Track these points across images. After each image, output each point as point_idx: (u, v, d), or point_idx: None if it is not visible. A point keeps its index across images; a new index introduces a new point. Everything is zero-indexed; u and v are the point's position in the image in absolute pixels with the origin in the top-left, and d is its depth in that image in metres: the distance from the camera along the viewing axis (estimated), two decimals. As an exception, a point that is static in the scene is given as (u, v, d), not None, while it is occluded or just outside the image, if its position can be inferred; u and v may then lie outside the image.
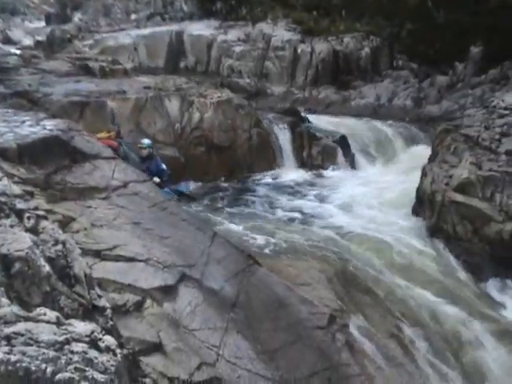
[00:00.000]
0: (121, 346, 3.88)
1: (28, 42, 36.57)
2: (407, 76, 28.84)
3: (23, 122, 8.41)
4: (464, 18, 25.11)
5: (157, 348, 5.49)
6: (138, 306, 5.85)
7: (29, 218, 4.47)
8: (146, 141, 14.19)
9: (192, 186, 15.38)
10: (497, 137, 13.61)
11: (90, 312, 4.16)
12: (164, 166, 13.83)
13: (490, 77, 24.55)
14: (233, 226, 12.47)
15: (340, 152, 19.83)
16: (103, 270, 6.03)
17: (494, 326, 10.20)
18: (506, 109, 14.35)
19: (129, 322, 5.58)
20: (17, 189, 4.88)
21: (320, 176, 18.62)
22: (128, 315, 5.67)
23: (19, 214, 4.44)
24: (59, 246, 4.33)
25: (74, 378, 2.80)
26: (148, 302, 5.96)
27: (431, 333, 9.53)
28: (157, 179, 13.15)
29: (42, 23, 43.62)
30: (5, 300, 3.21)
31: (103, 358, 3.13)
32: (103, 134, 12.92)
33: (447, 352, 9.30)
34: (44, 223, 4.54)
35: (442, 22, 27.00)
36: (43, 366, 2.73)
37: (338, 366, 6.83)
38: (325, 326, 7.28)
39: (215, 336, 6.10)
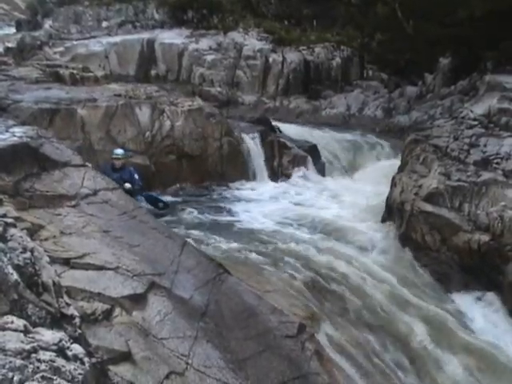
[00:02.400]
0: (89, 354, 3.86)
1: (-2, 48, 36.26)
2: (377, 86, 29.11)
3: (-8, 128, 8.35)
4: (433, 29, 25.32)
5: (126, 357, 5.46)
6: (107, 315, 5.81)
7: (-4, 225, 4.43)
8: (120, 151, 14.10)
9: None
10: (465, 147, 13.78)
11: (58, 320, 4.13)
12: (137, 176, 13.77)
13: (459, 88, 24.81)
14: (201, 235, 12.44)
15: (310, 161, 19.92)
16: (72, 278, 5.98)
17: (459, 340, 10.30)
18: (474, 120, 14.55)
19: (97, 330, 5.54)
20: (-16, 196, 4.84)
21: (289, 185, 18.63)
22: (97, 324, 5.63)
23: (-14, 221, 4.40)
24: (27, 254, 4.30)
25: (41, 386, 2.79)
26: (117, 310, 5.92)
27: (398, 343, 9.58)
28: (128, 185, 13.10)
29: (13, 30, 43.28)
30: (-29, 308, 3.18)
31: (71, 366, 3.11)
32: None
33: (412, 364, 9.36)
34: (12, 231, 4.50)
35: (411, 33, 27.25)
36: (10, 374, 2.70)
37: (308, 375, 6.82)
38: (294, 335, 7.27)
39: (184, 345, 6.07)
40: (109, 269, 6.40)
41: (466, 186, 12.96)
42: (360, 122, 25.74)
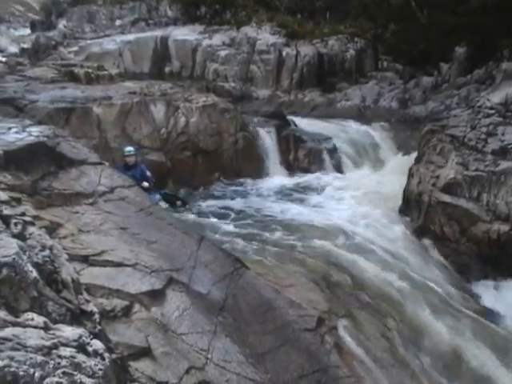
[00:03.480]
0: (109, 350, 3.88)
1: (13, 49, 36.50)
2: (392, 77, 28.93)
3: (9, 128, 8.39)
4: (447, 19, 25.18)
5: (145, 352, 5.48)
6: (126, 311, 5.83)
7: (16, 224, 4.47)
8: (131, 148, 14.13)
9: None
10: (483, 136, 13.69)
11: (77, 317, 4.16)
12: (149, 173, 13.79)
13: (475, 77, 24.63)
14: (219, 230, 12.47)
15: (326, 155, 19.86)
16: (91, 275, 6.01)
17: (480, 328, 10.25)
18: (491, 108, 14.44)
19: (117, 326, 5.56)
20: (3, 195, 4.88)
21: (306, 179, 18.60)
22: (116, 320, 5.66)
23: (6, 220, 4.44)
24: (46, 252, 4.33)
25: (61, 382, 2.80)
26: (136, 306, 5.95)
27: (418, 335, 9.55)
28: (146, 184, 13.15)
29: (28, 31, 43.55)
30: (-8, 306, 3.21)
31: (91, 362, 3.14)
32: None
33: (433, 356, 9.33)
34: (31, 229, 4.54)
35: (425, 23, 27.10)
36: (31, 370, 2.73)
37: (327, 368, 6.82)
38: (313, 328, 7.28)
39: (203, 340, 6.09)
40: (127, 265, 6.43)
41: (484, 176, 12.88)
42: (375, 114, 25.61)
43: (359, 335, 8.60)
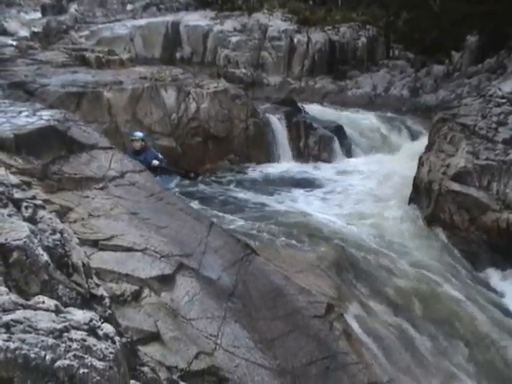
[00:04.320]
0: (119, 334, 3.89)
1: (24, 33, 36.45)
2: (404, 65, 28.82)
3: (20, 112, 8.41)
4: (460, 7, 25.05)
5: (155, 337, 5.51)
6: (136, 296, 5.86)
7: (26, 207, 4.47)
8: (139, 133, 14.16)
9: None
10: (493, 126, 13.62)
11: (88, 301, 4.17)
12: (160, 156, 13.85)
13: (487, 66, 24.52)
14: (228, 216, 12.47)
15: (337, 142, 19.83)
16: (101, 259, 6.04)
17: (492, 314, 10.25)
18: (502, 98, 14.36)
19: (127, 311, 5.59)
20: (14, 179, 4.88)
21: (316, 166, 18.59)
22: (126, 305, 5.69)
23: (17, 203, 4.44)
24: (57, 236, 4.33)
25: (73, 365, 2.80)
26: (146, 291, 5.97)
27: (428, 321, 9.55)
28: (156, 161, 13.20)
29: (38, 14, 43.47)
30: (3, 288, 3.21)
31: (102, 345, 3.14)
32: None
33: (444, 341, 9.33)
34: (42, 213, 4.54)
35: (437, 11, 26.97)
36: (42, 353, 2.73)
37: (336, 355, 6.84)
38: (322, 315, 7.29)
39: (213, 325, 6.11)
40: (137, 250, 6.45)
41: (494, 165, 12.84)
42: (386, 102, 25.54)
43: (368, 322, 8.61)
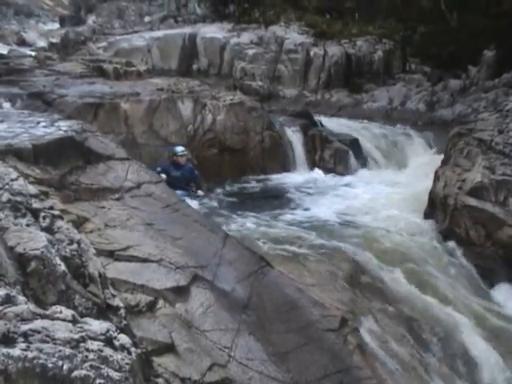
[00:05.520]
0: (134, 345, 3.91)
1: (42, 43, 36.84)
2: (420, 79, 28.77)
3: (38, 122, 8.50)
4: (477, 21, 25.04)
5: (169, 348, 5.52)
6: (151, 307, 5.88)
7: (44, 217, 4.52)
8: (183, 148, 14.47)
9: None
10: (510, 141, 13.56)
11: (104, 311, 4.20)
12: (197, 172, 14.18)
13: (504, 80, 24.47)
14: (242, 228, 12.48)
15: (352, 155, 19.83)
16: (116, 270, 6.07)
17: (503, 335, 10.17)
18: (519, 113, 14.32)
19: (141, 322, 5.61)
20: (33, 189, 4.93)
21: (331, 179, 18.60)
22: (141, 315, 5.71)
23: (35, 213, 4.49)
24: (74, 246, 4.38)
25: (89, 375, 2.84)
26: (160, 302, 5.99)
27: (442, 337, 9.50)
28: (201, 192, 13.59)
29: (56, 25, 43.93)
30: (21, 298, 3.25)
31: (118, 356, 3.17)
32: None
33: (457, 358, 9.28)
34: (59, 223, 4.59)
35: (455, 25, 26.96)
36: (60, 363, 2.76)
37: (350, 369, 6.82)
38: (336, 328, 7.28)
39: (227, 337, 6.12)
40: (152, 261, 6.48)
41: (510, 180, 12.77)
42: (402, 116, 25.50)
43: (382, 337, 8.58)
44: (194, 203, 12.87)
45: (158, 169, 13.65)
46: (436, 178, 14.32)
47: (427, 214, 14.34)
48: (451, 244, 12.93)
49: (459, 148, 14.27)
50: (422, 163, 19.07)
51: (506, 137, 13.67)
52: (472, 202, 12.95)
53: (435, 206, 14.09)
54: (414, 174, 18.19)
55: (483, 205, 12.82)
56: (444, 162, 14.70)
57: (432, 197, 14.27)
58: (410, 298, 10.22)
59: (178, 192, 13.63)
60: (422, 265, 11.71)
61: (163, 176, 13.41)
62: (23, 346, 2.73)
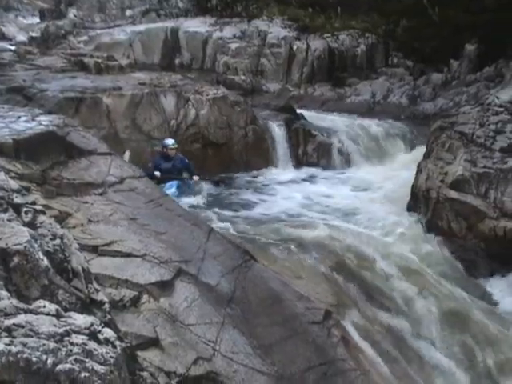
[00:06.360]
0: (119, 339, 3.91)
1: (22, 37, 36.47)
2: (402, 73, 28.85)
3: (19, 117, 8.42)
4: (459, 16, 25.13)
5: (154, 343, 5.51)
6: (135, 302, 5.87)
7: (26, 212, 4.49)
8: (172, 141, 14.60)
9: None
10: (491, 134, 13.66)
11: (88, 306, 4.19)
12: (187, 160, 14.33)
13: (485, 74, 24.60)
14: (226, 223, 12.47)
15: (335, 149, 19.88)
16: (100, 265, 6.04)
17: (490, 324, 10.24)
18: (500, 106, 14.39)
19: (126, 317, 5.60)
20: (14, 184, 4.90)
21: (314, 173, 18.62)
22: (125, 310, 5.69)
23: (17, 208, 4.46)
24: (57, 241, 4.36)
25: (74, 368, 2.83)
26: (145, 297, 5.97)
27: (426, 328, 9.56)
28: (196, 177, 13.75)
29: (37, 19, 43.48)
30: (4, 293, 3.23)
31: (103, 349, 3.16)
32: None
33: (443, 349, 9.34)
34: (42, 218, 4.56)
35: (437, 20, 27.04)
36: (44, 357, 2.75)
37: (334, 361, 6.85)
38: (320, 321, 7.30)
39: (211, 331, 6.11)
40: (136, 256, 6.45)
41: (491, 173, 12.88)
42: (385, 110, 25.57)
43: (366, 329, 8.62)
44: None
45: (149, 164, 13.86)
46: (418, 172, 14.42)
47: (410, 207, 14.42)
48: (434, 236, 13.02)
49: (441, 141, 14.36)
50: (405, 156, 19.18)
51: (487, 130, 13.77)
52: (454, 194, 13.06)
53: (418, 199, 14.18)
54: (397, 167, 18.27)
55: (465, 197, 12.93)
56: (426, 156, 14.79)
57: (414, 190, 14.35)
58: (396, 289, 10.26)
59: (172, 183, 13.80)
60: (406, 256, 11.78)
61: (156, 173, 13.60)
62: (7, 340, 2.72)
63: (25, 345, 2.76)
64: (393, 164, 19.28)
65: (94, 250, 6.28)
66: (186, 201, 13.29)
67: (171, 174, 14.36)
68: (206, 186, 15.26)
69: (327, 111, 25.02)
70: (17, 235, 3.84)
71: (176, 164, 14.45)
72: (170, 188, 13.96)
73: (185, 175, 14.97)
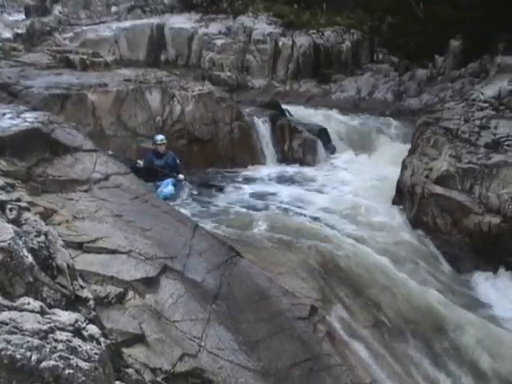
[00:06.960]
0: (104, 336, 3.91)
1: (7, 34, 36.20)
2: (388, 69, 28.94)
3: (3, 114, 8.38)
4: (447, 12, 25.22)
5: (139, 339, 5.52)
6: (120, 298, 5.87)
7: (11, 209, 4.48)
8: (162, 136, 14.56)
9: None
10: (476, 129, 13.73)
11: (72, 303, 4.18)
12: (178, 161, 14.34)
13: (470, 70, 24.72)
14: (212, 218, 12.48)
15: (321, 145, 19.92)
16: (85, 262, 6.03)
17: (474, 318, 10.31)
18: (485, 102, 14.48)
19: (111, 313, 5.60)
20: (-1, 181, 4.88)
21: (300, 169, 18.64)
22: (110, 307, 5.69)
23: (1, 205, 4.45)
24: (42, 238, 4.34)
25: (58, 365, 2.83)
26: (130, 293, 5.98)
27: (412, 323, 9.60)
28: (181, 176, 13.70)
29: (22, 16, 43.20)
30: (-12, 290, 3.23)
31: (87, 346, 3.16)
32: None
33: (428, 342, 9.38)
34: (26, 215, 4.55)
35: (422, 16, 27.13)
36: (28, 354, 2.75)
37: (320, 357, 6.88)
38: (306, 317, 7.32)
39: (197, 327, 6.12)
40: (121, 252, 6.45)
41: (476, 169, 12.95)
42: (370, 106, 25.67)
43: (351, 324, 8.66)
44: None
45: (140, 161, 13.87)
46: (403, 167, 14.47)
47: (395, 203, 14.48)
48: (419, 232, 13.09)
49: (426, 137, 14.42)
50: (390, 151, 19.24)
51: (471, 125, 13.84)
52: (439, 190, 13.12)
53: (403, 195, 14.24)
54: (382, 162, 18.33)
55: (450, 193, 13.00)
56: (411, 151, 14.85)
57: (400, 185, 14.41)
58: (382, 284, 10.30)
59: (167, 181, 13.79)
60: (391, 251, 11.83)
61: (140, 162, 13.57)
62: (-9, 337, 2.72)
63: (9, 342, 2.76)
64: (378, 158, 19.32)
65: (79, 246, 6.28)
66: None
67: (164, 170, 14.32)
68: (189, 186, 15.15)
69: (313, 107, 25.01)
70: (1, 232, 3.82)
71: (169, 162, 14.44)
72: (167, 186, 13.95)
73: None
